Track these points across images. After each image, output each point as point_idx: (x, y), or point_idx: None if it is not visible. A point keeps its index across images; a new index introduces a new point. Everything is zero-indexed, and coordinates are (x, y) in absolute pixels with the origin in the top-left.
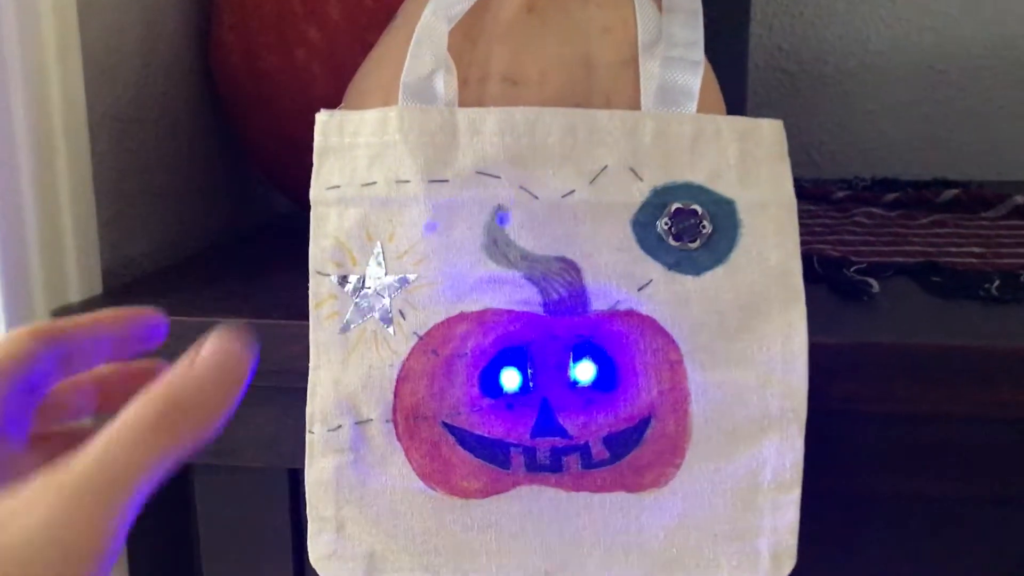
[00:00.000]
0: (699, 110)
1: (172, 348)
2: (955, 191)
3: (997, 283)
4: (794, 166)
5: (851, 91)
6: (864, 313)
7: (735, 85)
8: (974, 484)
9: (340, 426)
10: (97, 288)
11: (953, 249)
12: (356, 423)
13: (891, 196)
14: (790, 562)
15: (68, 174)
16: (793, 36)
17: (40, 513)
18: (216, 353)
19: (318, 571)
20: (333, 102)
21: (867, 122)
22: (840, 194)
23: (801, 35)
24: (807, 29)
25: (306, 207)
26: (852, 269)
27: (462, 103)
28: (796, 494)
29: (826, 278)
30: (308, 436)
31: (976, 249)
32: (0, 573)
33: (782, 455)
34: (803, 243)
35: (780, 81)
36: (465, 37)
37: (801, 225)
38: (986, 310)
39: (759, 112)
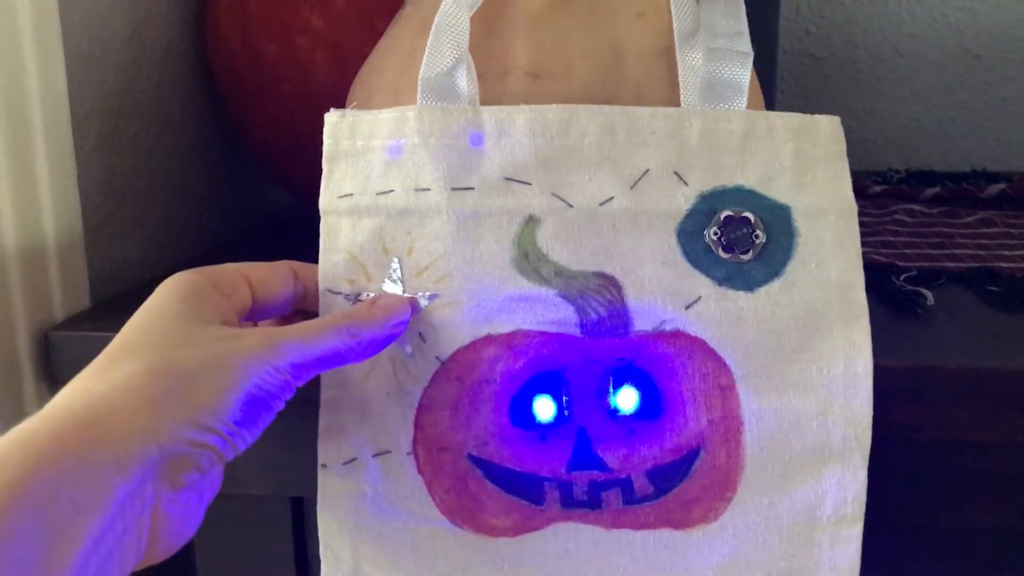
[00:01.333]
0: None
1: None
2: (1001, 186)
3: None
4: None
5: (883, 77)
6: (920, 329)
7: (765, 74)
8: None
9: (355, 459)
10: (85, 302)
11: (1006, 252)
12: (373, 455)
13: (931, 191)
14: None
15: (49, 176)
16: (822, 19)
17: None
18: (387, 297)
19: None
20: (338, 94)
21: (900, 110)
22: (876, 188)
23: (830, 18)
24: (836, 11)
25: (310, 204)
26: (902, 277)
27: (480, 100)
28: (858, 530)
29: (874, 287)
30: (320, 470)
31: None
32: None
33: (843, 488)
34: None
35: (808, 67)
36: (483, 27)
37: None
38: None
39: (786, 99)
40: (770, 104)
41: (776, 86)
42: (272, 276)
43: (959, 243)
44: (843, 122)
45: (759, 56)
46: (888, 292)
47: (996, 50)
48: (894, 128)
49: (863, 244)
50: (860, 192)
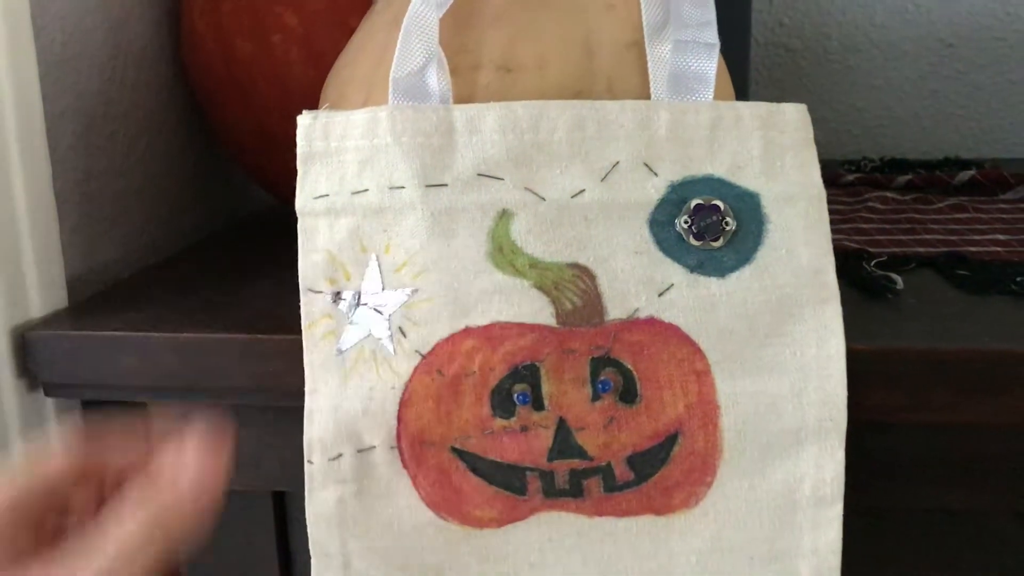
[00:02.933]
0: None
1: (144, 367)
2: (971, 172)
3: None
4: None
5: (856, 67)
6: (890, 312)
7: (738, 64)
8: (1016, 498)
9: (341, 455)
10: (62, 301)
11: (976, 237)
12: (358, 451)
13: (904, 179)
14: None
15: (23, 176)
16: (795, 10)
17: None
18: (194, 471)
19: None
20: (313, 91)
21: (873, 99)
22: (850, 177)
23: (803, 9)
24: (809, 2)
25: (287, 201)
26: (872, 263)
27: (452, 96)
28: (838, 510)
29: (845, 273)
30: (307, 466)
31: (1000, 236)
32: None
33: (821, 468)
34: None
35: (782, 58)
36: (454, 22)
37: None
38: (1018, 305)
39: (760, 91)
40: (743, 94)
41: (749, 77)
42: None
43: (930, 229)
44: (818, 112)
45: (732, 47)
46: (859, 277)
47: (968, 39)
48: (868, 118)
49: (836, 231)
50: (833, 181)
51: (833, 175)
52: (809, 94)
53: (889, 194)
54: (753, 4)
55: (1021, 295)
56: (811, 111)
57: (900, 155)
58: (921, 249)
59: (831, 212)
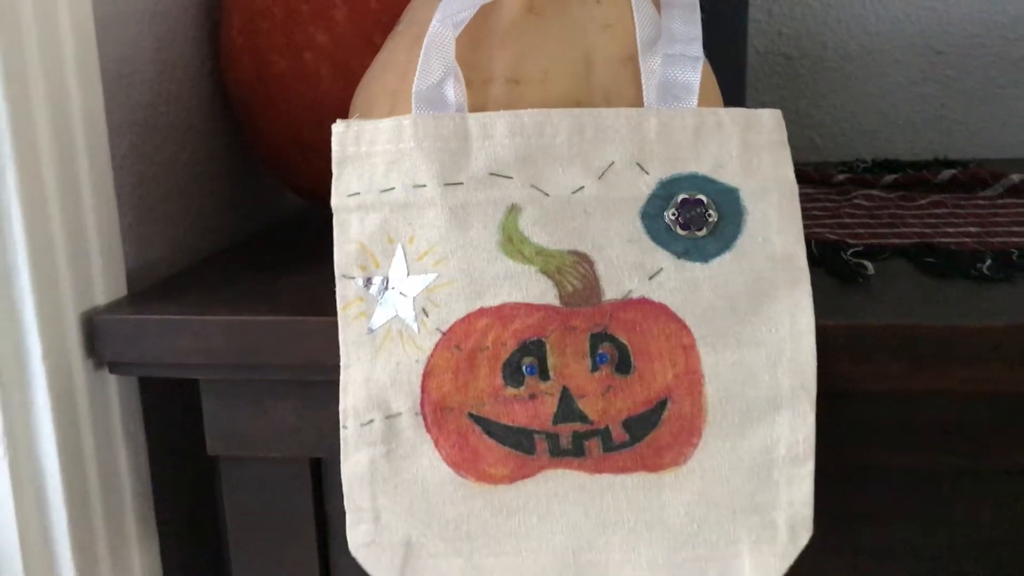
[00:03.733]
0: (698, 103)
1: (196, 347)
2: (952, 171)
3: (989, 262)
4: (796, 149)
5: (851, 74)
6: (860, 295)
7: (735, 71)
8: (969, 458)
9: (372, 420)
10: (122, 291)
11: (950, 230)
12: (387, 417)
13: (890, 178)
14: (806, 534)
15: (90, 180)
16: (792, 20)
17: None
18: None
19: (357, 559)
20: (341, 103)
21: (867, 104)
22: (840, 177)
23: (800, 19)
24: (806, 13)
25: (317, 205)
26: (849, 252)
27: (467, 106)
28: (810, 467)
29: (823, 261)
30: (342, 431)
31: (972, 229)
32: None
33: (795, 430)
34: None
35: (781, 66)
36: (468, 40)
37: (802, 209)
38: (978, 289)
39: (761, 96)
40: (740, 99)
41: (746, 83)
42: None
43: (908, 223)
44: (815, 116)
45: (730, 56)
46: (835, 264)
47: (956, 46)
48: (863, 121)
49: (821, 225)
50: (826, 180)
51: (826, 175)
52: (806, 99)
53: (876, 192)
54: (754, 15)
55: (980, 279)
56: (808, 115)
57: (893, 156)
58: (896, 240)
59: (821, 208)
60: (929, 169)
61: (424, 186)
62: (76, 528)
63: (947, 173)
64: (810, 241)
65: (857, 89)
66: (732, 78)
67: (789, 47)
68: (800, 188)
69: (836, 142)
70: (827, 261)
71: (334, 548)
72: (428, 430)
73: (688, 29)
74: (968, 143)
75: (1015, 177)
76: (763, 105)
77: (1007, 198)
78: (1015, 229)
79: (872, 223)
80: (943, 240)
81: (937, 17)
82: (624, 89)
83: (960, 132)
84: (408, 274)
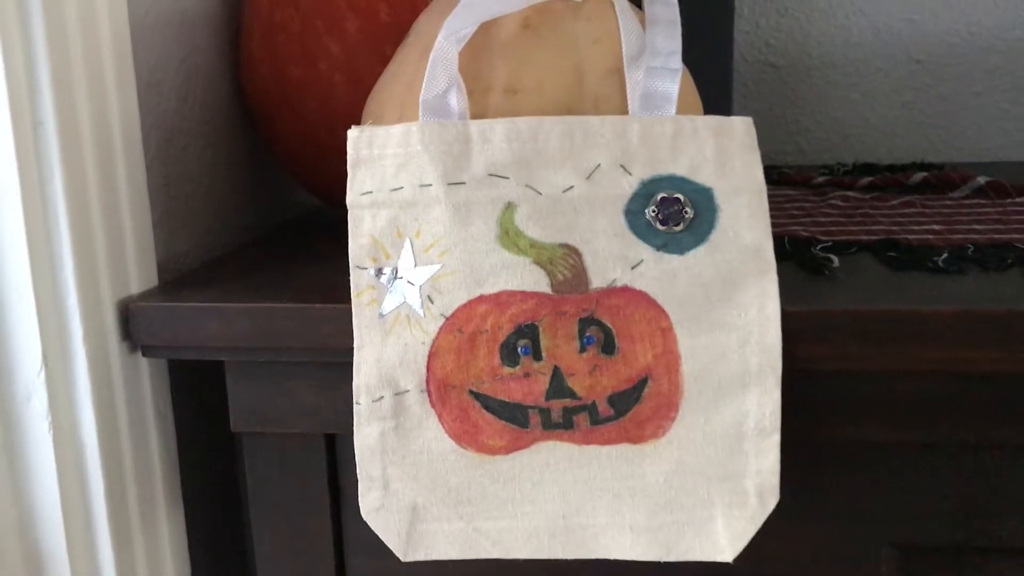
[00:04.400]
0: (678, 109)
1: (221, 331)
2: (924, 174)
3: (944, 256)
4: (782, 153)
5: (835, 81)
6: (824, 285)
7: (722, 79)
8: (920, 431)
9: (382, 397)
10: (153, 281)
11: (915, 227)
12: (396, 394)
13: (866, 180)
14: (773, 499)
15: (126, 180)
16: (779, 31)
17: None
18: None
19: (369, 523)
20: (353, 109)
21: (850, 110)
22: (820, 179)
23: (787, 30)
24: (792, 24)
25: (330, 203)
26: (818, 247)
27: (469, 113)
28: (776, 439)
29: (794, 255)
30: (356, 407)
31: (936, 227)
32: None
33: (762, 405)
34: (779, 225)
35: (768, 74)
36: (470, 54)
37: (780, 209)
38: (934, 280)
39: (749, 103)
40: (728, 103)
41: (733, 90)
42: None
43: (879, 221)
44: (801, 122)
45: (718, 66)
46: (803, 258)
47: (935, 55)
48: (846, 126)
49: (797, 223)
50: (806, 182)
51: (806, 177)
52: (793, 105)
53: (852, 193)
54: (743, 27)
55: (936, 271)
56: (794, 121)
57: (874, 159)
58: (865, 237)
59: (799, 208)
60: (904, 172)
61: (430, 185)
62: (111, 496)
63: (919, 176)
64: (784, 237)
65: (841, 96)
66: (719, 86)
67: (776, 57)
68: (781, 189)
69: (820, 146)
70: (798, 255)
71: (347, 517)
72: (433, 406)
73: (669, 44)
74: (946, 147)
75: (981, 179)
76: (752, 111)
77: (973, 199)
78: (975, 227)
79: (844, 221)
80: (907, 237)
81: (916, 29)
82: (612, 98)
83: (938, 136)
84: (415, 265)
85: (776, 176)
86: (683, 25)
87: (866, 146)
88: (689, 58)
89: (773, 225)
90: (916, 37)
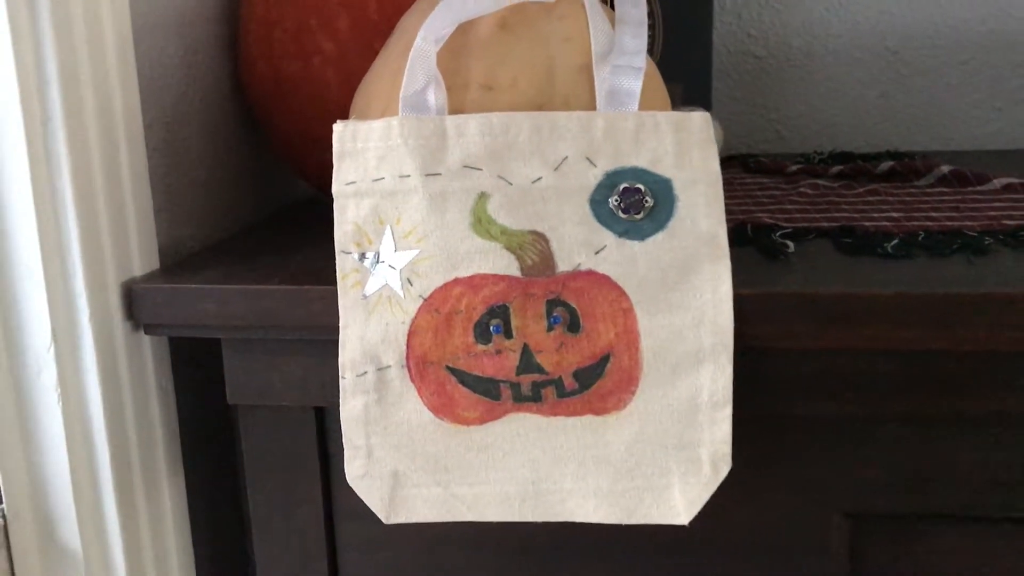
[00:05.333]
0: (645, 104)
1: (218, 311)
2: (891, 163)
3: (895, 242)
4: (763, 141)
5: (814, 71)
6: (779, 268)
7: (702, 69)
8: (864, 406)
9: (366, 372)
10: (155, 264)
11: (875, 214)
12: (378, 369)
13: (836, 168)
14: (726, 467)
15: (129, 169)
16: (760, 23)
17: None
18: None
19: (354, 488)
20: (345, 103)
21: (828, 99)
22: (793, 167)
23: (768, 22)
24: (772, 16)
25: (323, 192)
26: (777, 234)
27: (448, 107)
28: (728, 411)
29: (755, 241)
30: (341, 381)
31: (895, 214)
32: None
33: (715, 380)
34: (746, 212)
35: (750, 64)
36: (449, 52)
37: (751, 197)
38: (883, 264)
39: (731, 92)
40: (708, 92)
41: (712, 80)
42: None
43: (842, 209)
44: (781, 111)
45: (698, 58)
46: (762, 244)
47: (910, 47)
48: (825, 115)
49: (765, 211)
50: (780, 170)
51: (780, 165)
52: (773, 95)
53: (821, 181)
54: (725, 19)
55: (885, 256)
56: (775, 109)
57: (853, 147)
58: (825, 224)
59: (769, 196)
60: (875, 160)
61: (409, 176)
62: (116, 462)
63: (887, 164)
64: (747, 224)
65: (820, 86)
66: (699, 76)
67: (757, 47)
68: (755, 177)
69: (800, 134)
70: (758, 241)
71: (335, 482)
72: (412, 380)
73: (635, 43)
74: (920, 136)
75: (944, 168)
76: (734, 100)
77: (937, 187)
78: (932, 214)
79: (810, 209)
80: (865, 224)
81: (893, 21)
82: (581, 94)
83: (913, 126)
84: (396, 250)
85: (752, 164)
86: (665, 17)
87: (844, 134)
88: (671, 49)
89: (742, 211)
90: (892, 29)
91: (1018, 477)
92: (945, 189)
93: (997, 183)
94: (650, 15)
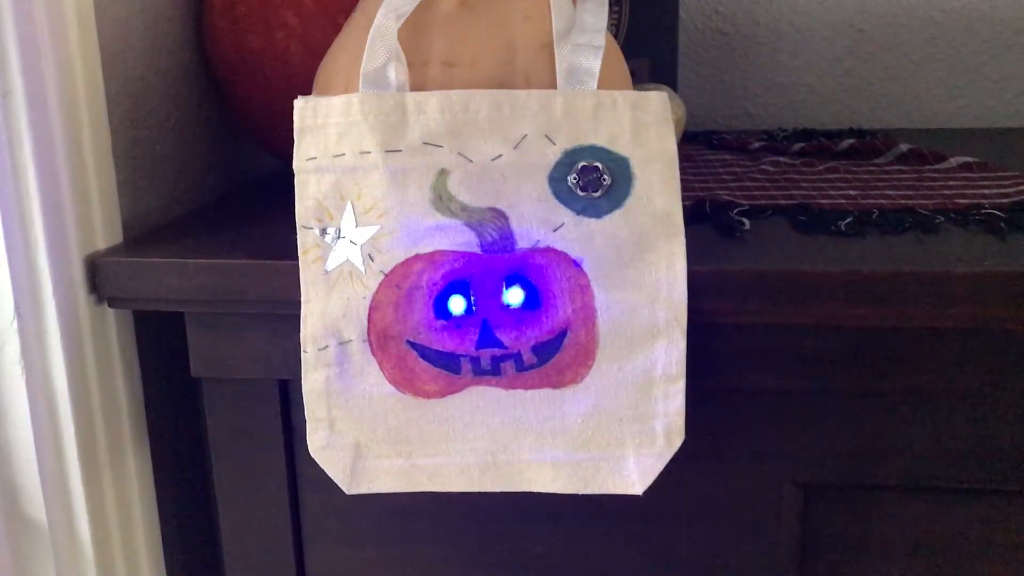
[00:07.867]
0: (606, 82)
1: (182, 285)
2: (852, 140)
3: (849, 220)
4: (731, 118)
5: (781, 49)
6: (733, 246)
7: (669, 46)
8: (813, 380)
9: (327, 346)
10: (119, 237)
11: (833, 192)
12: (339, 343)
13: (798, 146)
14: (679, 439)
15: (92, 143)
16: (728, 0)
17: None
18: None
19: (316, 460)
20: (309, 76)
21: (796, 77)
22: (756, 144)
23: None
24: None
25: (288, 165)
26: (734, 211)
27: (409, 83)
28: (681, 385)
29: (712, 218)
30: (303, 355)
31: (852, 192)
32: None
33: (669, 355)
34: (706, 189)
35: (717, 41)
36: (411, 29)
37: (711, 174)
38: (836, 242)
39: (699, 69)
40: (674, 69)
41: (679, 56)
42: None
43: (801, 186)
44: (747, 88)
45: (664, 34)
46: (719, 221)
47: (876, 25)
48: (791, 92)
49: (725, 188)
50: (743, 147)
51: (744, 142)
52: (740, 71)
53: (783, 159)
54: None
55: (838, 234)
56: (742, 86)
57: (819, 125)
58: (783, 201)
59: (730, 173)
60: (837, 138)
61: (369, 152)
62: (81, 435)
63: (847, 142)
64: (706, 201)
65: (786, 63)
66: (666, 52)
67: (725, 24)
68: (719, 154)
69: (767, 111)
70: (715, 218)
71: (299, 454)
72: (374, 354)
73: (596, 21)
74: (886, 113)
75: (903, 147)
76: (702, 76)
77: (896, 165)
78: (888, 192)
79: (769, 186)
80: (822, 201)
81: None
82: (541, 72)
83: (879, 102)
84: (357, 226)
85: (716, 141)
86: None
87: (810, 111)
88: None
89: (703, 188)
90: (858, 7)
91: (964, 449)
92: (903, 167)
93: (954, 161)
94: None
